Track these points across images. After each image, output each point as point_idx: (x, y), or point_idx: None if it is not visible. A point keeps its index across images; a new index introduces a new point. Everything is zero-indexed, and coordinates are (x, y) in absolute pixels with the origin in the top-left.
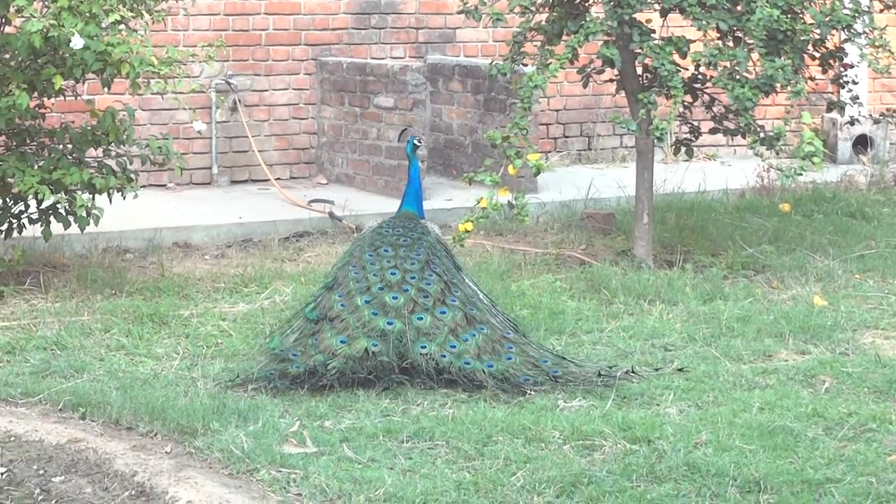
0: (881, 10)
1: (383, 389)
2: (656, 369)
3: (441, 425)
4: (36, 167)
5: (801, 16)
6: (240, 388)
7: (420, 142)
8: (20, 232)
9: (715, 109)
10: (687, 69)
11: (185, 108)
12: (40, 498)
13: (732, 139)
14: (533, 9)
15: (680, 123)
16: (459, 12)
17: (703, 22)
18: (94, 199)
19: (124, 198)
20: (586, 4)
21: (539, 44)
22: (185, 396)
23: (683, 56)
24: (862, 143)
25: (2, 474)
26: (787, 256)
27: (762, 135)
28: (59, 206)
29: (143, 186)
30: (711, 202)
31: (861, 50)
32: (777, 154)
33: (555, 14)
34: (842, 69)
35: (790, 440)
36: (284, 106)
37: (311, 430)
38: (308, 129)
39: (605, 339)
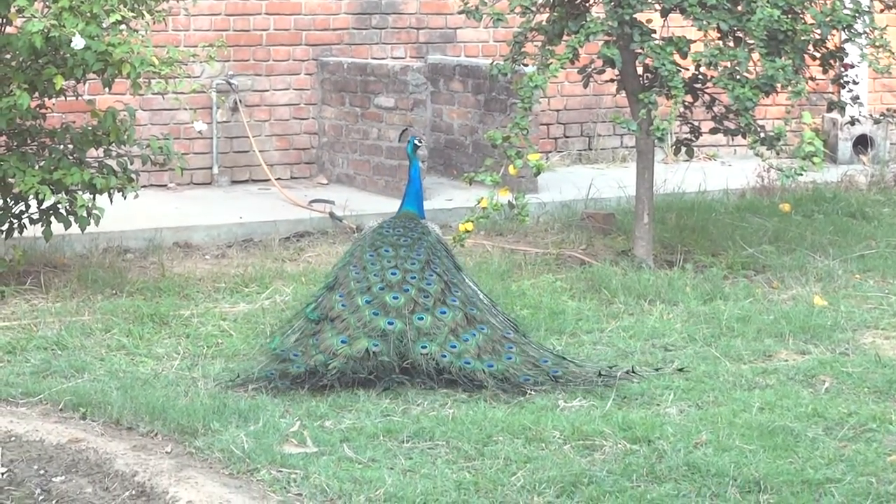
0: (882, 10)
1: (384, 389)
2: (656, 369)
3: (441, 425)
4: (37, 167)
5: (801, 16)
6: (240, 388)
7: (420, 142)
8: (21, 232)
9: (715, 109)
10: (687, 69)
11: (185, 109)
12: (41, 498)
13: (733, 139)
14: (534, 9)
15: (680, 123)
16: (460, 12)
17: (704, 22)
18: (94, 199)
19: (125, 198)
20: (587, 4)
21: (540, 44)
22: (186, 396)
23: (684, 56)
24: (862, 143)
25: (2, 474)
26: (788, 256)
27: (763, 135)
28: (59, 206)
29: (144, 186)
30: (712, 202)
31: (861, 50)
32: (777, 154)
33: (555, 14)
34: (842, 69)
35: (790, 440)
36: (285, 106)
37: (312, 430)
38: (309, 129)
39: (606, 339)
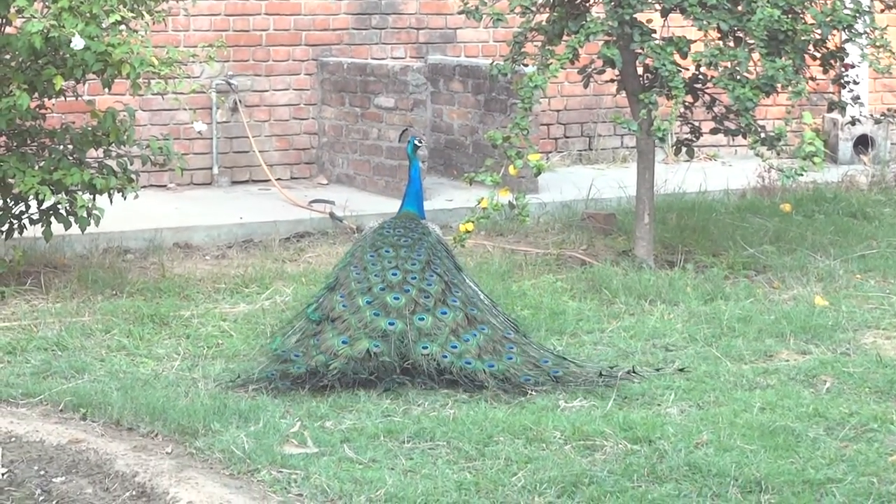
0: (882, 10)
1: (384, 390)
2: (657, 369)
3: (442, 426)
4: (36, 168)
5: (801, 16)
6: (241, 389)
7: (421, 142)
8: (21, 232)
9: (716, 110)
10: (688, 69)
11: (185, 109)
12: (41, 499)
13: (733, 139)
14: (533, 9)
15: (681, 124)
16: (460, 12)
17: (704, 22)
18: (94, 199)
19: (125, 198)
20: (587, 4)
21: (540, 44)
22: (186, 397)
23: (684, 56)
24: (863, 143)
25: (3, 475)
26: (788, 256)
27: (763, 135)
28: (59, 206)
29: (144, 187)
30: (712, 202)
31: (862, 50)
32: (778, 154)
33: (555, 14)
34: (843, 69)
35: (791, 440)
36: (285, 106)
37: (312, 430)
38: (309, 129)
39: (606, 339)
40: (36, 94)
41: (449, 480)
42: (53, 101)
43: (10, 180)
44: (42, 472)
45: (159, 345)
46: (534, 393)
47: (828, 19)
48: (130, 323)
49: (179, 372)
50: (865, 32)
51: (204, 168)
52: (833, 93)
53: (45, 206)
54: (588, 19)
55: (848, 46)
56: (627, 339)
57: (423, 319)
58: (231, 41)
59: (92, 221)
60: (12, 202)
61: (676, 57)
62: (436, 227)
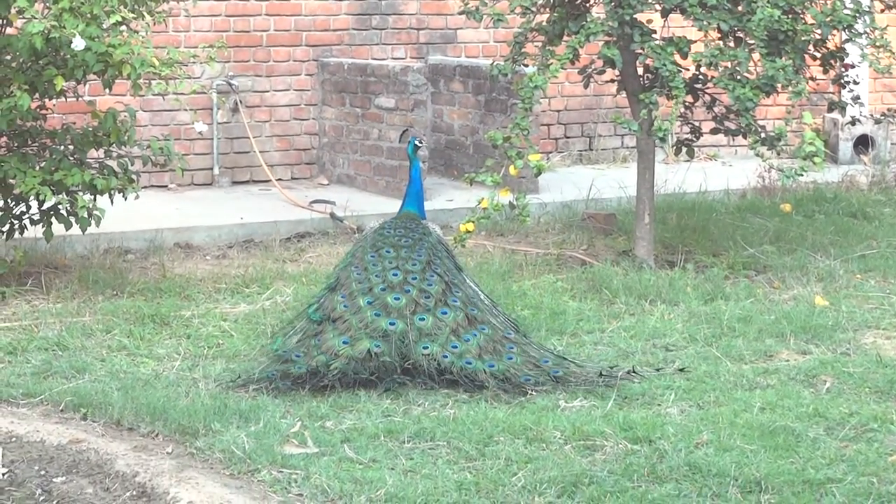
0: (882, 10)
1: (385, 390)
2: (657, 369)
3: (442, 426)
4: (37, 168)
5: (801, 16)
6: (241, 389)
7: (421, 142)
8: (21, 233)
9: (716, 110)
10: (688, 69)
11: (186, 109)
12: (42, 499)
13: (733, 139)
14: (534, 9)
15: (681, 124)
16: (460, 13)
17: (704, 22)
18: (95, 199)
19: (125, 199)
20: (587, 5)
21: (540, 44)
22: (187, 397)
23: (684, 56)
24: (863, 143)
25: (3, 475)
26: (789, 256)
27: (763, 135)
28: (60, 207)
29: (145, 187)
30: (713, 202)
31: (862, 50)
32: (778, 154)
33: (556, 14)
34: (843, 69)
35: (791, 440)
36: (285, 107)
37: (313, 430)
38: (309, 129)
39: (607, 339)
40: (37, 95)
41: (449, 480)
42: (54, 101)
43: (10, 181)
44: (43, 472)
45: (160, 345)
46: (534, 393)
47: (828, 19)
48: (131, 323)
49: (180, 372)
50: (865, 32)
51: (205, 168)
52: (833, 93)
53: (45, 206)
54: (588, 20)
55: (848, 46)
56: (628, 339)
57: (423, 319)
58: (232, 42)
59: (93, 222)
60: (13, 203)
61: (677, 57)
62: (436, 227)
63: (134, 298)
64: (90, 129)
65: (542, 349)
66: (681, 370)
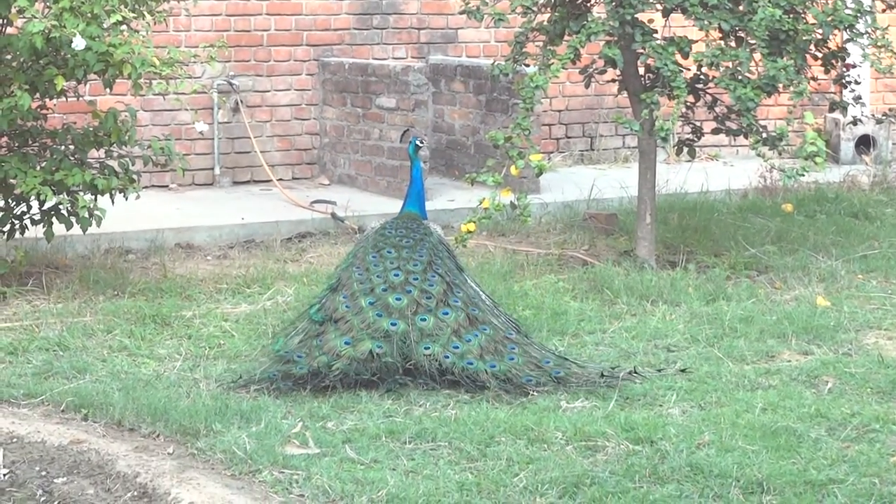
0: (883, 10)
1: (386, 391)
2: (659, 370)
3: (444, 426)
4: (38, 168)
5: (803, 16)
6: (242, 390)
7: (422, 142)
8: (22, 233)
9: (717, 110)
10: (689, 69)
11: (187, 109)
12: (42, 499)
13: (735, 139)
14: (535, 9)
15: (682, 124)
16: (461, 13)
17: (706, 22)
18: (96, 199)
19: (126, 199)
20: (588, 4)
21: (541, 44)
22: (188, 397)
23: (686, 56)
24: (864, 143)
25: (4, 475)
26: (790, 257)
27: (764, 135)
28: (61, 207)
29: (146, 187)
30: (714, 202)
31: (863, 50)
32: (780, 154)
33: (557, 14)
34: (844, 69)
35: (793, 441)
36: (286, 106)
37: (314, 431)
38: (310, 129)
39: (608, 339)
40: (37, 95)
41: (450, 481)
42: (55, 101)
43: (11, 181)
44: (43, 473)
45: (161, 345)
46: (535, 393)
47: (829, 19)
48: (132, 323)
49: (181, 372)
50: (867, 32)
51: (205, 168)
52: (834, 93)
53: (46, 206)
54: (589, 19)
55: (849, 46)
56: (629, 340)
57: (425, 320)
58: (232, 41)
59: (93, 222)
60: (14, 203)
61: (678, 57)
62: (437, 227)
63: (135, 299)
64: (91, 128)
65: (543, 350)
66: (682, 371)
